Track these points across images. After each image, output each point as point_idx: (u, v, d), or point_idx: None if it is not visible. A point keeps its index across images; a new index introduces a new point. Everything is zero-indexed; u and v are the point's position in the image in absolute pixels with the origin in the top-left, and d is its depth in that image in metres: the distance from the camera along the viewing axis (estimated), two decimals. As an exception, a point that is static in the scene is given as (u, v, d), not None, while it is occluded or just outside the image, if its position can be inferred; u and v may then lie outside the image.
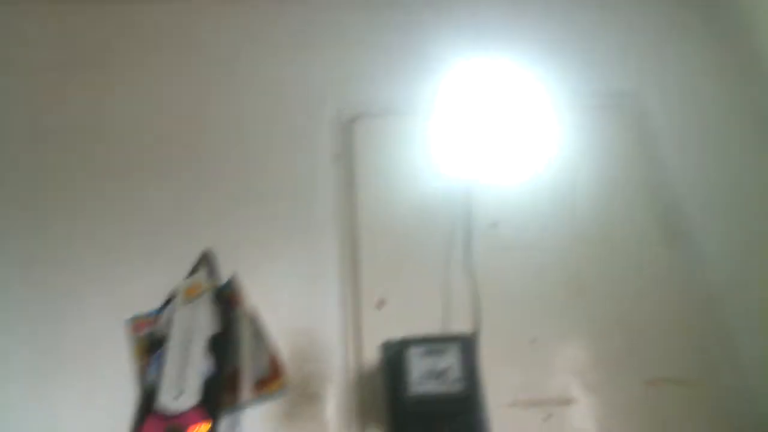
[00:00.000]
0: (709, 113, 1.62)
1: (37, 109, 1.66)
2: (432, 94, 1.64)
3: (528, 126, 1.60)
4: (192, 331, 1.23)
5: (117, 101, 1.67)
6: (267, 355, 1.26)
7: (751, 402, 1.23)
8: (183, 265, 1.33)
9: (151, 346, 1.24)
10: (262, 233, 1.46)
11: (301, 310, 1.35)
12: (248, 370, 1.22)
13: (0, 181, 1.54)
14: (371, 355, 1.29)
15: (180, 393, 1.12)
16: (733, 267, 1.39)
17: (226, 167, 1.57)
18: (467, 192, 1.47)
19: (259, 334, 1.28)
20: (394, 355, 1.19)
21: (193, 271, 1.36)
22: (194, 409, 1.12)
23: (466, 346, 1.13)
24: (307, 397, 1.26)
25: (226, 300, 1.29)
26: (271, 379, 1.25)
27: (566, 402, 1.25)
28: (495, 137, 1.59)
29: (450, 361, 1.11)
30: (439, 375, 1.10)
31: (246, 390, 1.20)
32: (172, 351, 1.20)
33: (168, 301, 1.29)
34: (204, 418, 1.11)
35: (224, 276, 1.32)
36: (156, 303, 1.29)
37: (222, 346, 1.24)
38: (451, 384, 1.09)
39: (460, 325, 1.28)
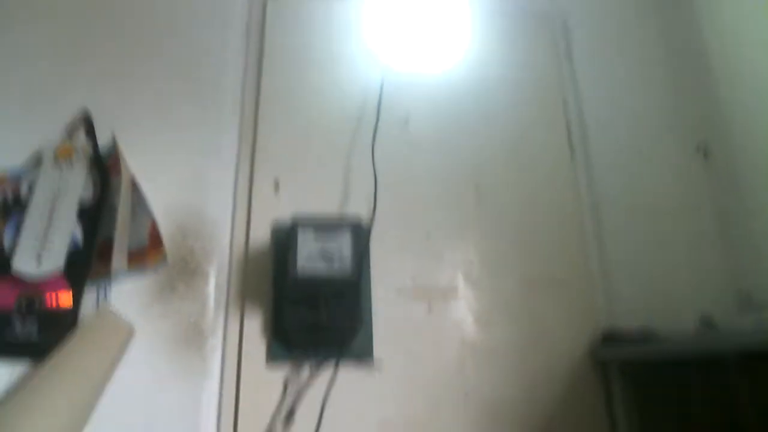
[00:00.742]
0: (625, 38, 1.63)
1: None
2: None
3: (449, 24, 1.53)
4: (60, 194, 1.11)
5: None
6: (146, 226, 1.17)
7: (613, 301, 1.34)
8: (59, 122, 1.19)
9: (7, 209, 1.10)
10: (154, 97, 1.32)
11: (189, 184, 1.26)
12: (122, 240, 1.13)
13: None
14: (261, 235, 1.24)
15: (40, 258, 1.03)
16: (620, 182, 1.45)
17: (128, 21, 1.39)
18: (380, 81, 1.40)
19: (138, 204, 1.17)
20: (284, 235, 1.15)
21: (68, 131, 1.22)
22: (56, 276, 1.03)
23: (358, 231, 1.10)
24: (188, 272, 1.20)
25: (104, 166, 1.17)
26: (148, 251, 1.17)
27: (450, 294, 1.29)
28: (414, 30, 1.50)
29: (340, 244, 1.09)
30: (328, 257, 1.08)
31: (119, 260, 1.12)
32: (34, 213, 1.08)
33: (35, 161, 1.15)
34: (65, 287, 1.02)
35: (103, 140, 1.19)
36: (19, 158, 1.15)
37: (95, 214, 1.14)
38: (339, 267, 1.07)
39: (357, 213, 1.25)
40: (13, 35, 1.32)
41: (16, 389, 1.00)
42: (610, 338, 1.27)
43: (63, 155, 1.16)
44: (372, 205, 1.26)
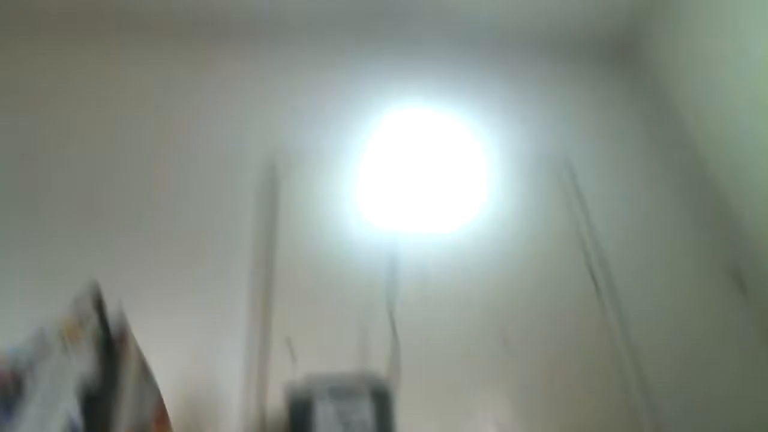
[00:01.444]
0: (630, 174, 1.66)
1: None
2: (365, 141, 1.60)
3: (459, 180, 1.56)
4: (63, 383, 1.04)
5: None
6: (152, 403, 1.08)
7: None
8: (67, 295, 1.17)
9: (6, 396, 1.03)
10: (164, 264, 1.32)
11: (199, 353, 1.20)
12: (126, 420, 1.03)
13: None
14: (275, 402, 1.14)
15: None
16: (653, 325, 1.36)
17: (140, 185, 1.44)
18: (393, 241, 1.39)
19: (145, 381, 1.09)
20: (299, 408, 1.04)
21: (76, 306, 1.18)
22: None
23: (381, 397, 1.00)
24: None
25: (113, 350, 1.11)
26: (154, 426, 1.06)
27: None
28: (425, 188, 1.53)
29: (362, 415, 0.97)
30: (350, 426, 0.96)
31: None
32: (34, 404, 1.00)
33: (38, 340, 1.10)
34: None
35: (112, 314, 1.15)
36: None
37: (98, 399, 1.06)
38: (364, 443, 0.95)
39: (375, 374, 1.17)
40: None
41: None
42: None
43: (69, 335, 1.11)
44: (392, 369, 1.17)
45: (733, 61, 1.46)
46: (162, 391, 1.10)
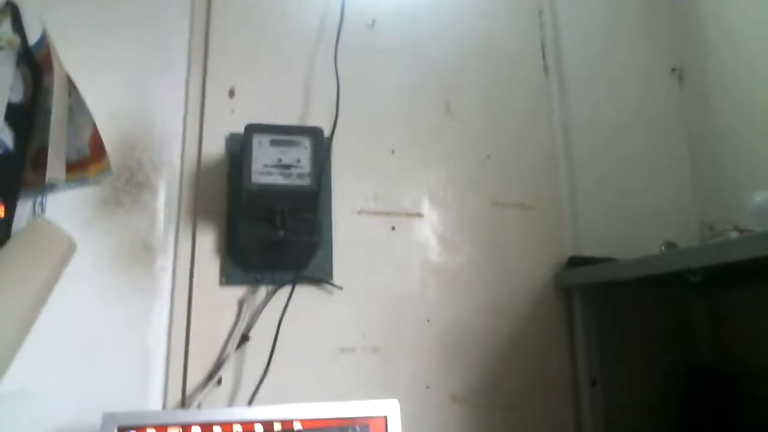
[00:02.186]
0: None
1: None
2: None
3: None
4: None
5: None
6: (86, 133, 1.07)
7: (580, 228, 1.32)
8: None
9: None
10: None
11: (134, 89, 1.15)
12: (58, 146, 1.03)
13: None
14: (215, 147, 1.16)
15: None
16: (592, 103, 1.41)
17: None
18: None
19: (75, 107, 1.06)
20: (239, 147, 1.07)
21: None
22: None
23: (318, 139, 1.03)
24: (135, 185, 1.11)
25: (36, 62, 1.05)
26: (90, 160, 1.07)
27: (414, 215, 1.24)
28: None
29: (299, 154, 1.02)
30: (286, 168, 1.01)
31: (55, 169, 1.01)
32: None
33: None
34: (-5, 200, 0.93)
35: (32, 33, 1.06)
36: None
37: (26, 116, 1.03)
38: (298, 178, 1.01)
39: (318, 125, 1.14)
40: None
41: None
42: (574, 263, 1.25)
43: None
44: (334, 116, 1.19)
45: None
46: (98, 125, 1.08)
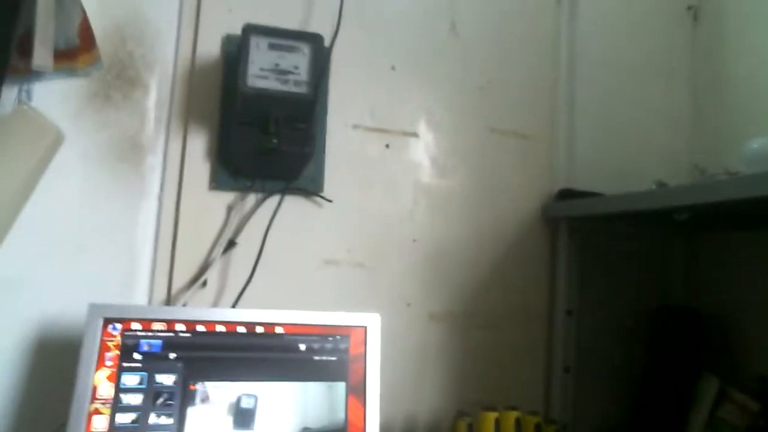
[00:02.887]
0: None
1: None
2: None
3: None
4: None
5: None
6: (75, 21, 1.02)
7: (573, 162, 1.32)
8: None
9: None
10: None
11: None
12: (46, 32, 0.98)
13: None
14: (210, 48, 1.11)
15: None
16: (603, 38, 1.37)
17: None
18: None
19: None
20: (236, 49, 1.03)
21: None
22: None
23: (318, 47, 1.00)
24: (125, 81, 1.07)
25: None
26: (79, 50, 1.03)
27: (410, 134, 1.23)
28: None
29: (297, 60, 0.98)
30: (283, 73, 0.98)
31: (42, 56, 0.97)
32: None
33: None
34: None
35: None
36: None
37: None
38: (295, 85, 0.98)
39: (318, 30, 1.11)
40: None
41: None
42: (564, 196, 1.26)
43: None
44: (336, 25, 1.14)
45: None
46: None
